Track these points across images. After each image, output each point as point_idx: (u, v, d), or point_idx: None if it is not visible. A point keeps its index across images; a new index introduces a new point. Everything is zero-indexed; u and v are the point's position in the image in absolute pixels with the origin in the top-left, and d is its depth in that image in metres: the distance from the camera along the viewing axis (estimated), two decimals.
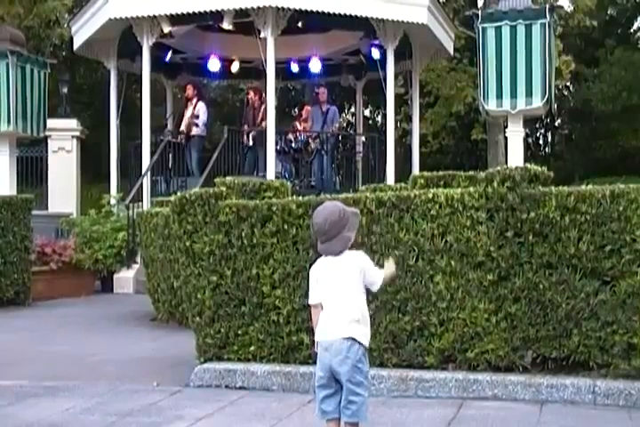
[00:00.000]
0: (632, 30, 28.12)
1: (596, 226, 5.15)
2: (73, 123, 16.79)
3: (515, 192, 5.28)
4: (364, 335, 3.95)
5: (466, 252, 5.36)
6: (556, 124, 29.63)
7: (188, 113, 15.08)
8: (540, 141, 31.17)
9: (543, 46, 10.72)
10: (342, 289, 3.93)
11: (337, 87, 21.04)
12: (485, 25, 10.96)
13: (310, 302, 4.07)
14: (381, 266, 4.17)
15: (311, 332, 4.32)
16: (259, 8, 12.92)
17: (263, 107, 14.65)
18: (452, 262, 5.38)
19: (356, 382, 3.88)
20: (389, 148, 14.25)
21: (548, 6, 11.14)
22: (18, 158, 13.93)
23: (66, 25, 17.13)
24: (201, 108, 15.01)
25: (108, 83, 15.94)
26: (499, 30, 10.87)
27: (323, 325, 3.96)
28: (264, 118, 14.27)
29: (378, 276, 4.04)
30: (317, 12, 12.89)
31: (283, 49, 14.01)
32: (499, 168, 5.49)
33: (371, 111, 29.96)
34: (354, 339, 3.88)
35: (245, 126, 15.12)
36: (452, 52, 16.14)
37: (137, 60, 14.81)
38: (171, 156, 14.54)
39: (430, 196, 5.48)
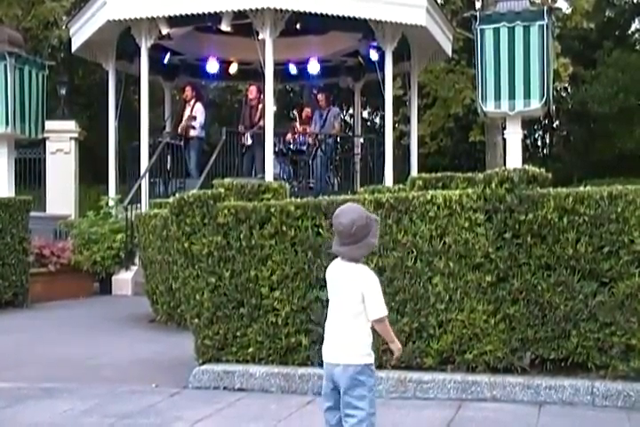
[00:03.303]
0: (630, 32, 28.18)
1: (594, 227, 5.15)
2: (71, 124, 16.80)
3: (513, 194, 5.28)
4: (362, 356, 3.65)
5: (464, 253, 5.36)
6: (554, 125, 29.70)
7: (185, 114, 15.09)
8: (539, 143, 31.24)
9: (541, 48, 10.71)
10: (347, 303, 3.66)
11: (335, 89, 21.05)
12: (483, 26, 10.95)
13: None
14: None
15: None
16: (257, 10, 12.93)
17: (261, 105, 14.67)
18: (451, 264, 5.38)
19: (355, 396, 3.58)
20: (388, 149, 14.26)
21: (545, 8, 11.13)
22: (16, 160, 13.90)
23: (64, 26, 17.15)
24: (198, 110, 15.02)
25: (106, 84, 15.96)
26: (497, 32, 10.87)
27: (327, 341, 3.73)
28: (262, 117, 14.29)
29: (376, 309, 3.64)
30: (316, 13, 12.90)
31: (281, 51, 14.01)
32: (497, 169, 5.49)
33: (369, 113, 30.02)
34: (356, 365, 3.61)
35: (241, 126, 15.13)
36: (450, 53, 16.15)
37: (135, 62, 14.80)
38: (169, 157, 14.54)
39: (428, 197, 5.48)
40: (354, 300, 3.65)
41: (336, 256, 3.82)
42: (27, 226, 10.93)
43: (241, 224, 5.82)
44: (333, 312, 3.74)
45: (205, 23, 14.26)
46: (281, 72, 16.32)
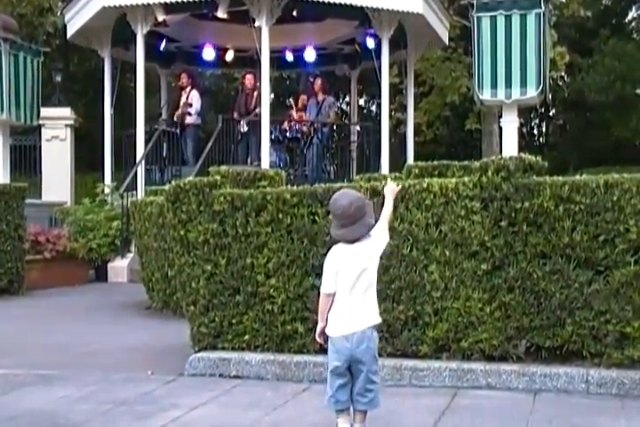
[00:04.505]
0: (626, 20, 28.10)
1: (589, 216, 5.16)
2: (67, 111, 16.75)
3: (509, 182, 5.28)
4: (377, 315, 4.06)
5: (460, 241, 5.37)
6: (551, 114, 29.66)
7: (181, 102, 15.07)
8: (535, 131, 31.21)
9: (538, 36, 10.68)
10: (362, 281, 3.98)
11: (332, 76, 20.99)
12: (480, 14, 10.91)
13: (326, 290, 4.05)
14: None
15: (313, 319, 4.32)
16: None
17: (256, 93, 14.65)
18: (447, 252, 5.39)
19: (373, 371, 4.00)
20: (384, 137, 14.24)
21: None
22: (11, 147, 13.88)
23: (59, 13, 17.06)
24: (194, 97, 15.00)
25: (101, 71, 15.90)
26: (494, 20, 10.83)
27: (341, 317, 3.98)
28: (257, 104, 14.26)
29: (385, 232, 4.11)
30: (312, 0, 12.87)
31: (277, 38, 13.97)
32: (493, 158, 5.49)
33: (365, 101, 29.92)
34: (373, 326, 4.01)
35: (236, 113, 15.11)
36: (446, 41, 16.12)
37: (131, 49, 14.75)
38: (165, 145, 14.52)
39: (425, 185, 5.48)
40: (374, 264, 4.03)
41: (333, 245, 4.06)
42: (22, 213, 10.93)
43: (237, 212, 5.82)
44: (347, 289, 3.97)
45: (201, 10, 14.20)
46: (277, 59, 16.30)
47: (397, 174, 6.82)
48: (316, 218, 5.64)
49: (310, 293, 5.58)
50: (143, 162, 13.74)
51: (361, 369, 3.96)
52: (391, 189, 4.27)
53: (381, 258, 5.38)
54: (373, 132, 15.00)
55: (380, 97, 15.35)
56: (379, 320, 4.06)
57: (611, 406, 4.78)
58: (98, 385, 5.50)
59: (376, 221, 4.09)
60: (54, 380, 5.68)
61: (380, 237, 4.06)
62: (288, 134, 14.67)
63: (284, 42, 15.80)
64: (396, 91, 18.79)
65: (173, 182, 6.16)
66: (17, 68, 12.75)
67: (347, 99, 26.20)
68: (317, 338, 4.14)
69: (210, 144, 13.51)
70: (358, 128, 16.48)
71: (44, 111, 14.45)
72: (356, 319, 3.96)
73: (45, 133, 16.38)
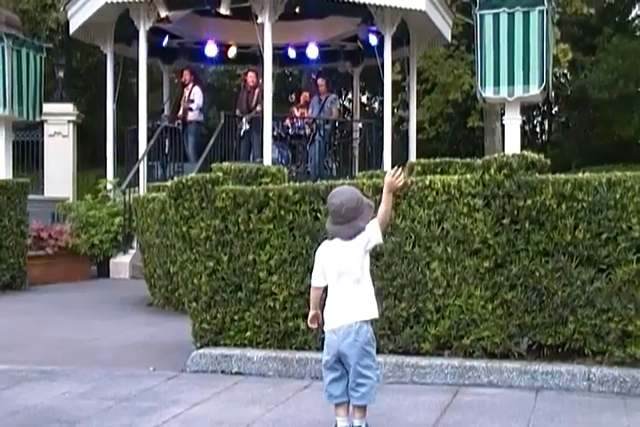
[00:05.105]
0: (630, 18, 28.06)
1: (592, 214, 5.15)
2: (69, 107, 16.75)
3: (511, 179, 5.28)
4: (372, 311, 4.01)
5: (462, 239, 5.36)
6: (553, 111, 29.63)
7: (183, 98, 15.06)
8: (537, 129, 31.18)
9: (541, 33, 10.68)
10: (348, 275, 3.98)
11: (334, 73, 20.99)
12: (483, 12, 10.91)
13: (314, 284, 4.12)
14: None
15: (306, 314, 4.35)
16: None
17: (258, 90, 14.65)
18: (449, 249, 5.39)
19: (364, 366, 3.94)
20: (386, 134, 14.24)
21: None
22: (14, 143, 13.89)
23: (62, 9, 17.05)
24: (196, 93, 14.99)
25: (104, 67, 15.90)
26: (496, 17, 10.83)
27: (330, 312, 4.02)
28: (259, 102, 14.26)
29: (376, 232, 4.00)
30: None
31: (280, 35, 13.95)
32: (495, 155, 5.48)
33: (368, 98, 29.92)
34: (362, 320, 3.97)
35: (238, 110, 15.12)
36: (449, 38, 16.09)
37: (133, 45, 14.75)
38: (167, 141, 14.52)
39: (427, 182, 5.48)
40: (360, 261, 3.97)
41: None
42: (25, 209, 10.93)
43: (239, 208, 5.82)
44: (335, 284, 4.00)
45: (204, 6, 14.20)
46: (280, 56, 16.29)
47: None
48: (318, 215, 5.64)
49: None
50: (145, 158, 13.75)
51: (349, 363, 3.96)
52: (388, 182, 4.08)
53: (383, 255, 5.44)
54: (376, 129, 15.01)
55: (382, 94, 15.32)
56: (371, 316, 4.01)
57: (612, 404, 4.78)
58: (99, 381, 5.51)
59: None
60: (56, 375, 5.68)
61: (366, 237, 4.00)
62: (290, 131, 14.67)
63: (287, 39, 15.78)
64: (399, 88, 18.76)
65: (175, 179, 6.16)
66: (19, 64, 12.75)
67: (349, 96, 26.15)
68: (309, 324, 4.21)
69: (212, 141, 13.50)
70: (360, 125, 16.48)
71: (47, 107, 14.46)
72: (342, 314, 3.97)
73: (48, 129, 16.38)
